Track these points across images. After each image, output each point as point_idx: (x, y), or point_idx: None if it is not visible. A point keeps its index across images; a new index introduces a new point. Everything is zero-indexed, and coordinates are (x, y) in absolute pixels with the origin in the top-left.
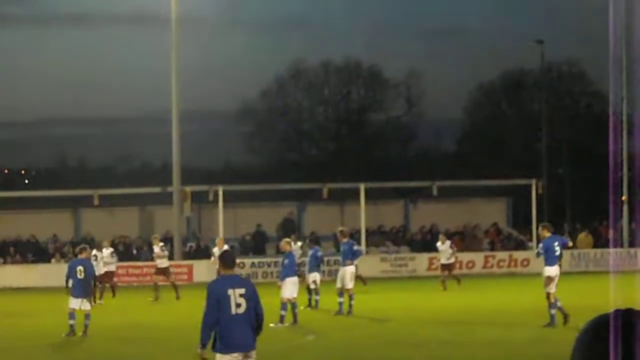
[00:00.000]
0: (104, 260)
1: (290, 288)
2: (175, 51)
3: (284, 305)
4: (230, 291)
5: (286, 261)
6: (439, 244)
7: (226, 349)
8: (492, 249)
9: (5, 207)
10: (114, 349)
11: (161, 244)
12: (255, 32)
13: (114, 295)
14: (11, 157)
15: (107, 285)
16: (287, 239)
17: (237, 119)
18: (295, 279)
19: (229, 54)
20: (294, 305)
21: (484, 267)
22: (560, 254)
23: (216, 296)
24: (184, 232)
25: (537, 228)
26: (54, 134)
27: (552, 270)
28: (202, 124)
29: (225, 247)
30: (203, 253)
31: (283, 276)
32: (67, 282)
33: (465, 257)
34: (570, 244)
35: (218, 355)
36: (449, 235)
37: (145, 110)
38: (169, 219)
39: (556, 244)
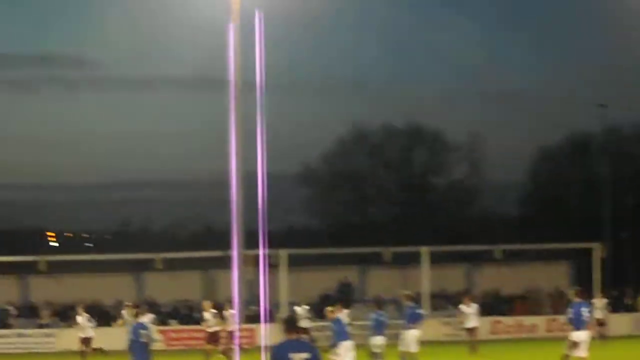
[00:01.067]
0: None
1: (346, 354)
2: (234, 114)
3: None
4: (292, 355)
5: (335, 328)
6: (463, 306)
7: None
8: (555, 312)
9: (68, 270)
10: None
11: (213, 310)
12: (317, 95)
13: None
14: (74, 221)
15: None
16: (330, 308)
17: (299, 181)
18: (349, 343)
19: (290, 116)
20: None
21: (547, 330)
22: (589, 319)
23: None
24: (246, 295)
25: (600, 291)
26: (117, 197)
27: (579, 335)
28: (265, 188)
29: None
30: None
31: (335, 343)
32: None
33: (528, 320)
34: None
35: None
36: (508, 299)
37: (207, 173)
38: (232, 283)
39: (585, 309)
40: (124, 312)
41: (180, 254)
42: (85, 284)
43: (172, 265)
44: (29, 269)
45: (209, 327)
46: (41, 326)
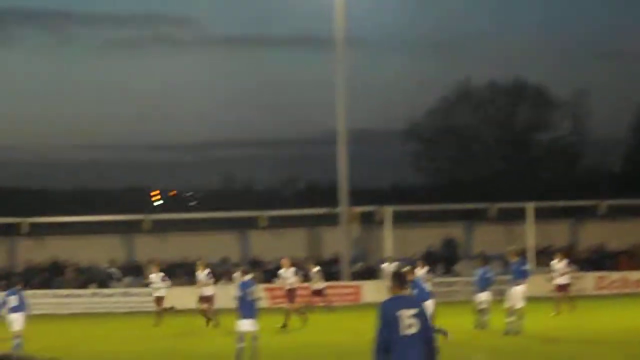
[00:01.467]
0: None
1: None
2: (341, 72)
3: None
4: (401, 312)
5: (414, 288)
6: (554, 262)
7: None
8: None
9: (173, 229)
10: None
11: (207, 270)
12: (421, 52)
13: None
14: (178, 179)
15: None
16: (408, 268)
17: (404, 138)
18: (430, 302)
19: (395, 74)
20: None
21: None
22: None
23: (387, 317)
24: (351, 253)
25: None
26: (221, 156)
27: None
28: (369, 144)
29: (292, 269)
30: (371, 274)
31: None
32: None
33: (633, 276)
34: None
35: None
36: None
37: (311, 131)
38: (337, 240)
39: None
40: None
41: (284, 211)
42: (190, 242)
43: (276, 223)
44: (134, 228)
45: (288, 284)
46: (146, 285)
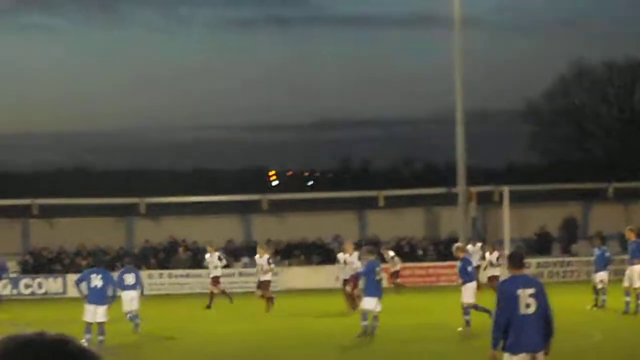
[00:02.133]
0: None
1: (469, 293)
2: (459, 52)
3: (466, 310)
4: (519, 291)
5: (461, 268)
6: (487, 254)
7: (514, 349)
8: None
9: (290, 209)
10: (400, 349)
11: (217, 252)
12: (538, 31)
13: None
14: (296, 160)
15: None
16: (459, 244)
17: (521, 119)
18: (473, 284)
19: (512, 53)
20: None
21: None
22: None
23: (506, 296)
24: (468, 232)
25: None
26: (339, 136)
27: None
28: (486, 124)
29: (355, 253)
30: None
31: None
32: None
33: None
34: None
35: (506, 355)
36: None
37: (428, 111)
38: (454, 220)
39: None
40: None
41: (402, 191)
42: (307, 222)
43: (394, 203)
44: (251, 208)
45: (353, 269)
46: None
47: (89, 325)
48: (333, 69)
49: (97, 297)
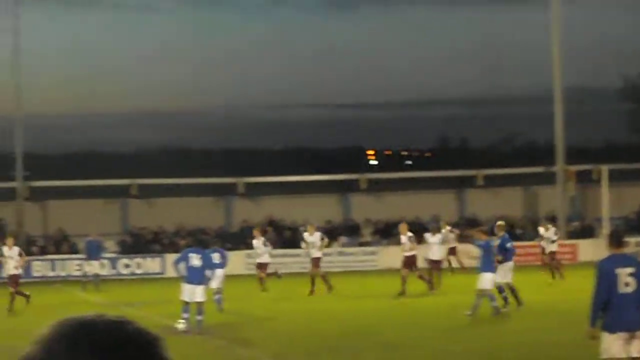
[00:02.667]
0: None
1: (500, 273)
2: (556, 29)
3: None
4: (618, 270)
5: (481, 249)
6: (542, 230)
7: (612, 328)
8: None
9: (389, 188)
10: (490, 329)
11: (263, 238)
12: (636, 6)
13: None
14: (394, 139)
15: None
16: (501, 222)
17: (620, 97)
18: (510, 264)
19: (610, 31)
20: (501, 289)
21: None
22: None
23: (605, 275)
24: (567, 211)
25: None
26: (436, 114)
27: None
28: (585, 103)
29: (317, 233)
30: (587, 232)
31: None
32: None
33: None
34: None
35: (604, 334)
36: None
37: (527, 89)
38: (553, 199)
39: None
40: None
41: (500, 170)
42: (405, 201)
43: (493, 182)
44: (350, 187)
45: (405, 250)
46: (362, 244)
47: (186, 304)
48: (431, 46)
49: (196, 276)
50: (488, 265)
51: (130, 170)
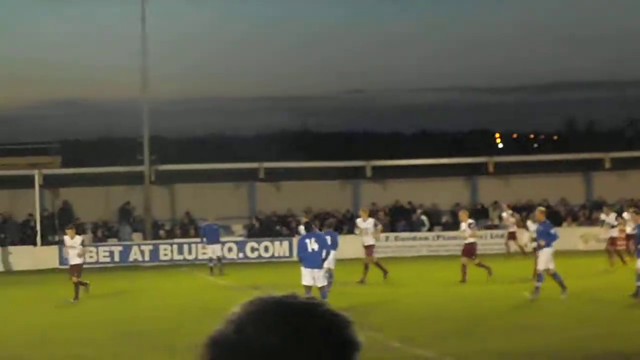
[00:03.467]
0: None
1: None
2: None
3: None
4: None
5: (540, 230)
6: (602, 215)
7: None
8: None
9: (516, 171)
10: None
11: (510, 211)
12: None
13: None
14: (520, 122)
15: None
16: (542, 209)
17: None
18: (551, 250)
19: None
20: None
21: None
22: None
23: None
24: None
25: None
26: (563, 98)
27: None
28: None
29: (370, 219)
30: None
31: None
32: None
33: None
34: None
35: None
36: None
37: None
38: None
39: None
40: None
41: (628, 153)
42: (532, 184)
43: (620, 164)
44: (477, 170)
45: (465, 238)
46: (490, 227)
47: (308, 289)
48: (554, 29)
49: (315, 260)
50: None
51: (256, 154)
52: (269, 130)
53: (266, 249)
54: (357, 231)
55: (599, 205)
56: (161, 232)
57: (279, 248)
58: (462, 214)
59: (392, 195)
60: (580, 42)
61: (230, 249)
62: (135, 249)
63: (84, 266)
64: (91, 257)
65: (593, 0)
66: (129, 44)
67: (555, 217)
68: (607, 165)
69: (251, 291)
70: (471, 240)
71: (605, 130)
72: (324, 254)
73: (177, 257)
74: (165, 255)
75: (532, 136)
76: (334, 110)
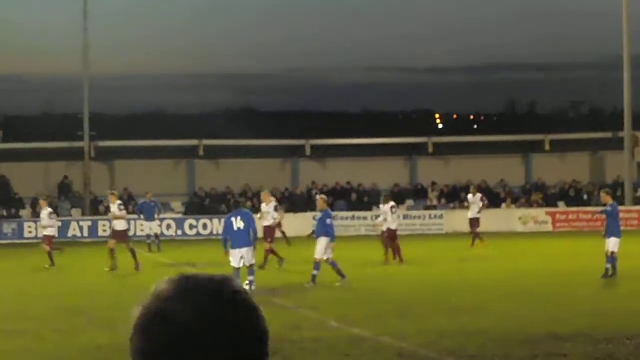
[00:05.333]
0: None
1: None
2: None
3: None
4: None
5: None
6: (469, 196)
7: None
8: None
9: (456, 152)
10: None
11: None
12: None
13: None
14: (461, 102)
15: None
16: (324, 197)
17: None
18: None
19: None
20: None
21: None
22: None
23: None
24: (634, 177)
25: None
26: (504, 79)
27: None
28: None
29: (272, 203)
30: None
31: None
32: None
33: None
34: None
35: None
36: None
37: (595, 55)
38: (620, 165)
39: None
40: None
41: (568, 135)
42: (472, 165)
43: (560, 147)
44: (417, 150)
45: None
46: (428, 208)
47: (237, 270)
48: (501, 11)
49: (241, 240)
50: (615, 229)
51: (197, 131)
52: (211, 108)
53: (205, 226)
54: (259, 215)
55: (538, 187)
56: (100, 208)
57: (218, 226)
58: (385, 199)
59: (332, 175)
60: (522, 23)
61: (169, 226)
62: (74, 224)
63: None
64: (30, 232)
65: None
66: (71, 19)
67: (494, 198)
68: (547, 147)
69: (189, 268)
70: (393, 226)
71: (547, 112)
72: (251, 233)
73: None
74: (105, 231)
75: (472, 117)
76: (277, 88)
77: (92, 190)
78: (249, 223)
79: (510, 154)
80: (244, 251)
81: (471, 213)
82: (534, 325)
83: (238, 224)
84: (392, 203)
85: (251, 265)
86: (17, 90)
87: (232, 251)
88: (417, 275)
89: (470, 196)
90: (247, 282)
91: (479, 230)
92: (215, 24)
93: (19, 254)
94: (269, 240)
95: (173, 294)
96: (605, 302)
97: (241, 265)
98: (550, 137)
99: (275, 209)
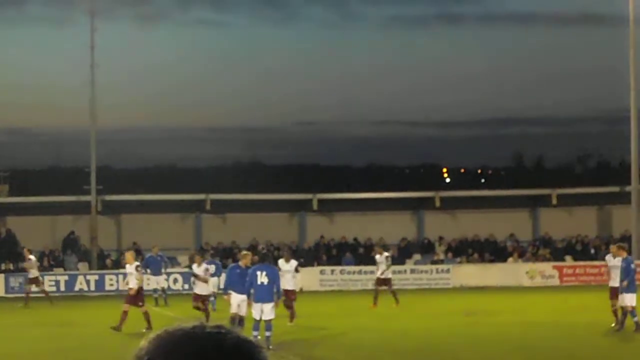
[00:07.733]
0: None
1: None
2: (632, 50)
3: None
4: None
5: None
6: (377, 256)
7: None
8: None
9: (463, 206)
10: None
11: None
12: None
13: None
14: (468, 157)
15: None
16: (621, 244)
17: None
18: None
19: None
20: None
21: None
22: None
23: None
24: None
25: None
26: (511, 133)
27: None
28: None
29: (136, 263)
30: None
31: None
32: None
33: None
34: None
35: None
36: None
37: (601, 109)
38: (627, 219)
39: None
40: None
41: (575, 189)
42: (479, 219)
43: (567, 201)
44: (424, 204)
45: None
46: (435, 262)
47: (257, 322)
48: (505, 66)
49: (262, 294)
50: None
51: (204, 185)
52: (218, 162)
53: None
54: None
55: (545, 241)
56: (107, 262)
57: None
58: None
59: (339, 229)
60: (529, 78)
61: (175, 280)
62: (81, 278)
63: (31, 295)
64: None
65: (542, 40)
66: (79, 73)
67: (502, 252)
68: (554, 201)
69: (195, 322)
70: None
71: (554, 166)
72: (274, 289)
73: (123, 287)
74: (111, 285)
75: (479, 171)
76: (284, 142)
77: (99, 244)
78: (274, 279)
79: (517, 208)
80: (265, 306)
81: (379, 272)
82: None
83: (262, 278)
84: (386, 253)
85: (269, 320)
86: (25, 143)
87: (253, 304)
88: (423, 329)
89: (377, 256)
90: (257, 334)
91: (393, 288)
92: (223, 79)
93: (25, 308)
94: (293, 297)
95: (162, 352)
96: (618, 355)
97: (259, 318)
98: (557, 191)
99: (296, 270)
